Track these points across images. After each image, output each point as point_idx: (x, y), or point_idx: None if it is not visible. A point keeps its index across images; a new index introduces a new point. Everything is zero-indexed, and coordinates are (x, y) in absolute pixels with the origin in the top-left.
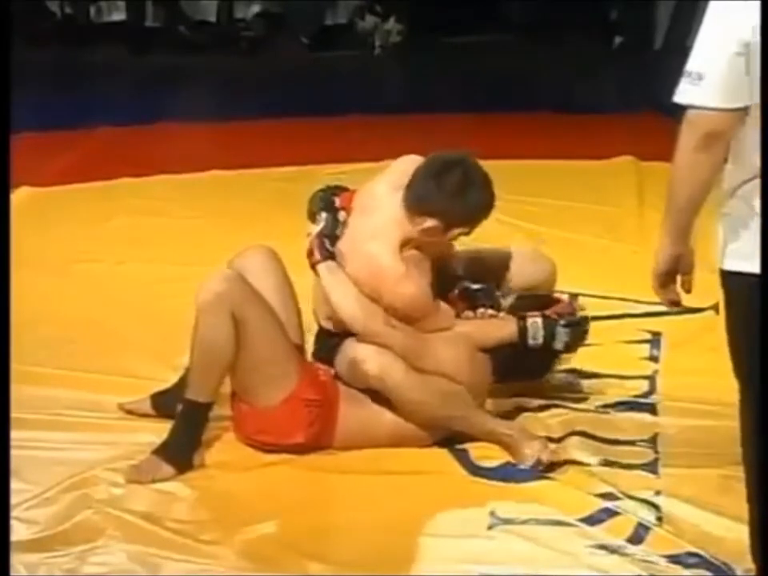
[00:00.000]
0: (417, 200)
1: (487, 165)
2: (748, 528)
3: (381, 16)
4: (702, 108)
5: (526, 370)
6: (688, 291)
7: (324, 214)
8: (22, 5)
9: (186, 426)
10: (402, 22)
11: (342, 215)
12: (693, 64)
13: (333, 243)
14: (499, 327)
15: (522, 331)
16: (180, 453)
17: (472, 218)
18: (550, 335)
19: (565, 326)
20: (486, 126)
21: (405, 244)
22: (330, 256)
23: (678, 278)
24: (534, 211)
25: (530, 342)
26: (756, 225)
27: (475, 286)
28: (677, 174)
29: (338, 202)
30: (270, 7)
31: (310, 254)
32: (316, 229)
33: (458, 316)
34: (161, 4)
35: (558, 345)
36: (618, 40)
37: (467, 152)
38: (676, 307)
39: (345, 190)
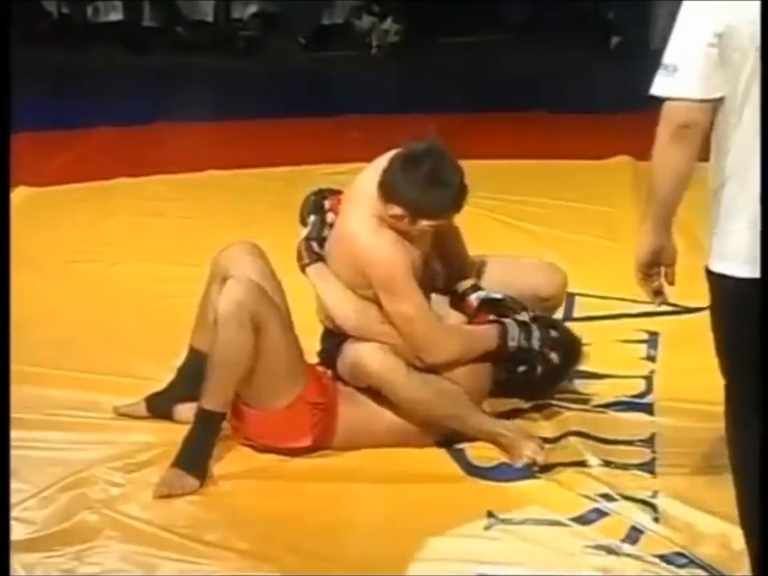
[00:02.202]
0: (386, 187)
1: (485, 165)
2: (741, 530)
3: (378, 16)
4: (676, 99)
5: (532, 387)
6: (671, 283)
7: (312, 218)
8: (18, 5)
9: (201, 436)
10: (400, 22)
11: (330, 217)
12: (668, 57)
13: (321, 245)
14: (484, 338)
15: (503, 334)
16: (199, 462)
17: (437, 212)
18: (526, 335)
19: (541, 327)
20: (484, 126)
21: (380, 223)
22: (318, 258)
23: (662, 270)
24: (533, 211)
25: (510, 343)
26: (731, 229)
27: (496, 295)
28: (654, 166)
29: (327, 204)
30: (267, 7)
31: (299, 257)
32: (304, 232)
33: (470, 323)
34: (158, 4)
35: (535, 343)
36: (615, 40)
37: (439, 144)
38: (661, 298)
39: (337, 192)
